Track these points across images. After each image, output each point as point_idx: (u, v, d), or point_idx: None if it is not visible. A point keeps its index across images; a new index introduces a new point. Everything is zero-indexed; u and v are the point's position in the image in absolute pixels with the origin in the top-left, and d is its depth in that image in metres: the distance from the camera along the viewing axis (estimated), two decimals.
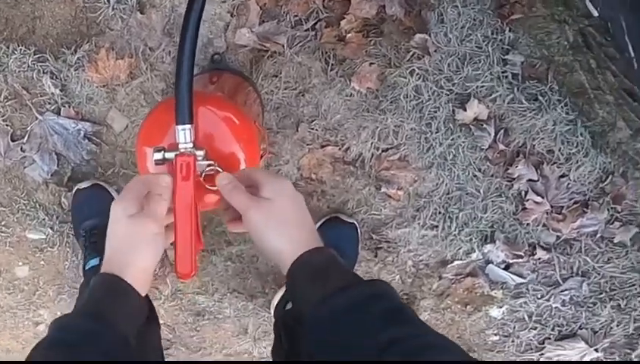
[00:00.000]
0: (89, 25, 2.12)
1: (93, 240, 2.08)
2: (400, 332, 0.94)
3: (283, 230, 1.08)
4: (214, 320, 2.42)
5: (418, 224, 2.31)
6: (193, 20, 1.19)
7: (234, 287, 2.32)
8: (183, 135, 1.16)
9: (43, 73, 2.10)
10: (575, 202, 2.32)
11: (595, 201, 2.31)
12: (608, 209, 2.32)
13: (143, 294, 1.12)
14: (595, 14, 2.07)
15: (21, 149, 2.15)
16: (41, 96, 2.12)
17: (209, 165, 1.18)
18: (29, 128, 2.14)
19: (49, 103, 2.13)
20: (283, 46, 2.16)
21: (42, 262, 2.30)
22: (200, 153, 1.17)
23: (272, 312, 2.26)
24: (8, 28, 2.12)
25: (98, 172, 2.19)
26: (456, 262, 2.37)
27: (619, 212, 2.33)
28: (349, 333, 0.94)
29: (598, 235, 2.35)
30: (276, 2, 2.14)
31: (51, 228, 2.25)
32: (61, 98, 2.12)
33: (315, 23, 2.17)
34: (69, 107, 2.13)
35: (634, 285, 2.39)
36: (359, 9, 2.15)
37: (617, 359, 2.45)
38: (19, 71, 2.11)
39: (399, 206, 2.30)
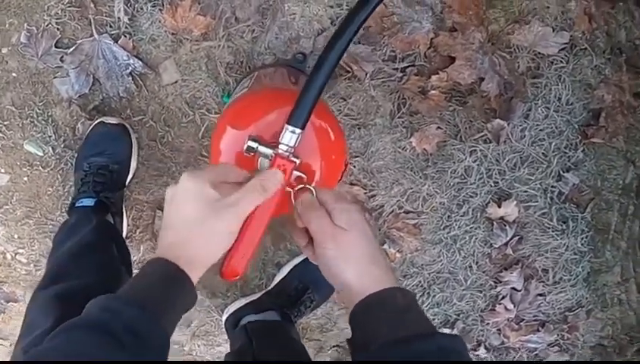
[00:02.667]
0: None
1: (97, 180, 1.79)
2: None
3: (356, 265, 0.96)
4: None
5: None
6: (351, 30, 1.03)
7: (201, 280, 2.07)
8: (290, 137, 1.04)
9: None
10: (536, 320, 2.30)
11: (552, 324, 2.30)
12: (557, 335, 2.32)
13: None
14: None
15: (61, 58, 1.84)
16: (106, 16, 1.82)
17: (299, 177, 1.06)
18: (78, 42, 1.83)
19: (111, 26, 1.84)
20: (366, 74, 1.88)
21: (26, 179, 1.95)
22: (297, 162, 1.05)
23: (224, 316, 2.08)
24: None
25: (126, 113, 1.92)
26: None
27: (563, 340, 2.34)
28: None
29: (535, 352, 2.36)
30: (382, 30, 1.85)
31: (52, 148, 1.93)
32: (125, 27, 1.83)
33: (408, 67, 1.91)
34: (129, 38, 1.84)
35: None
36: (457, 71, 1.91)
37: None
38: None
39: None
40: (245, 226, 0.99)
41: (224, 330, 2.11)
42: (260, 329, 1.87)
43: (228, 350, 1.92)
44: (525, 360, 2.39)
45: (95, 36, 1.81)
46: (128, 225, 1.98)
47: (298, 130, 1.03)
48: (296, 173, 1.04)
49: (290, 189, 1.04)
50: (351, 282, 0.94)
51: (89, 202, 1.77)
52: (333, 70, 1.04)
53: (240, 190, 0.95)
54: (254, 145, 1.06)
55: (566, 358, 2.35)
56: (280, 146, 1.04)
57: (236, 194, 0.94)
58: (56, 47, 1.83)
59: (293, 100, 1.05)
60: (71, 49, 1.82)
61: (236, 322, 2.00)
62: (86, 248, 1.61)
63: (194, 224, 0.93)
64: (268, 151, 1.05)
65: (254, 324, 1.90)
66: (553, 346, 2.34)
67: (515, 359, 2.36)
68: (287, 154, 1.03)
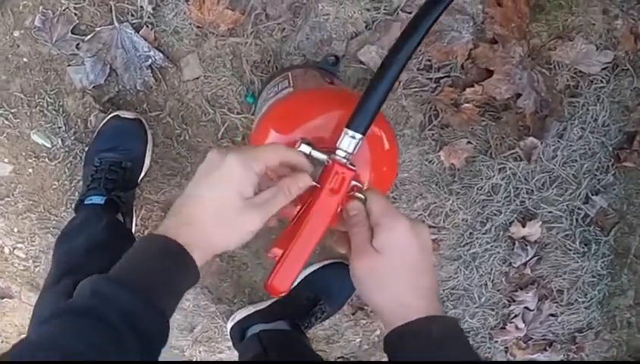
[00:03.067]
0: None
1: (108, 177, 1.69)
2: None
3: (388, 293, 0.90)
4: None
5: None
6: (421, 31, 0.95)
7: (208, 285, 2.01)
8: (349, 143, 0.96)
9: None
10: (544, 339, 2.24)
11: (559, 344, 2.25)
12: (564, 354, 2.27)
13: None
14: None
15: (77, 45, 1.71)
16: (128, 4, 1.69)
17: (354, 187, 0.97)
18: (97, 29, 1.69)
19: (133, 15, 1.70)
20: (399, 82, 1.78)
21: (30, 170, 1.83)
22: (355, 169, 0.97)
23: (230, 324, 1.99)
24: None
25: (142, 108, 1.80)
26: None
27: (568, 359, 2.29)
28: None
29: None
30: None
31: (62, 140, 1.80)
32: (148, 17, 1.69)
33: (443, 77, 1.81)
34: (151, 29, 1.71)
35: None
36: (494, 86, 1.81)
37: None
38: None
39: None
40: (296, 236, 0.93)
41: (227, 337, 2.03)
42: (274, 338, 1.80)
43: (230, 358, 1.90)
44: (526, 360, 2.33)
45: (116, 24, 1.69)
46: (136, 225, 1.87)
47: (359, 136, 0.95)
48: (353, 182, 0.96)
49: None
50: (382, 309, 0.90)
51: (98, 199, 1.66)
52: (400, 73, 0.96)
53: (270, 189, 0.90)
54: (307, 150, 0.97)
55: None
56: (338, 152, 0.96)
57: (266, 193, 0.90)
58: (72, 33, 1.70)
59: (345, 102, 1.01)
60: (89, 37, 1.69)
61: (242, 330, 1.92)
62: (98, 246, 1.52)
63: (216, 211, 0.88)
64: (323, 156, 0.97)
65: (267, 333, 1.82)
66: None
67: None
68: (345, 161, 0.95)
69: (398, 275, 0.89)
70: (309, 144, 0.97)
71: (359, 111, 0.96)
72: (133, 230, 1.83)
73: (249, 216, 0.88)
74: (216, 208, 0.87)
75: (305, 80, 1.51)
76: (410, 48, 0.94)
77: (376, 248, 0.89)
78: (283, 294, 0.95)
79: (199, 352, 2.14)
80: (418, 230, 0.91)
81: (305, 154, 0.97)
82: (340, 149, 0.96)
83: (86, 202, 1.67)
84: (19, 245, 1.93)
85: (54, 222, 1.91)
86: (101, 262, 1.47)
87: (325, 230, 0.94)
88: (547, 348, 2.24)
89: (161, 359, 0.84)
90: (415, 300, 0.88)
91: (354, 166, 0.96)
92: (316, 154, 0.97)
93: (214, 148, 0.90)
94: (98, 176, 1.68)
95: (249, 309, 1.98)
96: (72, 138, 1.80)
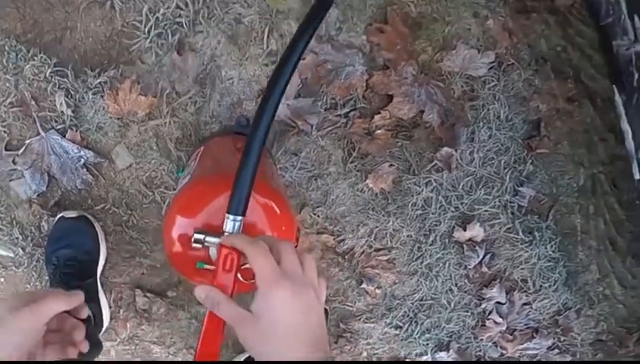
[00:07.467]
0: (121, 51, 1.78)
1: (66, 271, 1.75)
2: None
3: (266, 347, 0.89)
4: None
5: (385, 322, 2.11)
6: (271, 106, 1.03)
7: (192, 345, 2.05)
8: (232, 225, 1.01)
9: (59, 88, 1.74)
10: (528, 328, 2.24)
11: (545, 329, 2.24)
12: (553, 338, 2.26)
13: None
14: (637, 177, 1.90)
15: (13, 160, 1.79)
16: (49, 112, 1.77)
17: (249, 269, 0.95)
18: (27, 141, 1.76)
19: (56, 121, 1.78)
20: (312, 126, 1.85)
21: (2, 280, 1.91)
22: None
23: None
24: (34, 31, 1.74)
25: (87, 204, 1.87)
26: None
27: (561, 341, 2.27)
28: None
29: (537, 358, 2.29)
30: (318, 80, 1.82)
31: (22, 249, 1.88)
32: (70, 120, 1.78)
33: (350, 111, 1.88)
34: (76, 130, 1.79)
35: None
36: (398, 108, 1.88)
37: None
38: (33, 79, 1.74)
39: (372, 303, 2.09)
40: (206, 317, 0.95)
41: None
42: None
43: None
44: (526, 360, 2.33)
45: (42, 133, 1.76)
46: (110, 307, 1.93)
47: (239, 218, 1.01)
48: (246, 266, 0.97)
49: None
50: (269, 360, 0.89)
51: None
52: (261, 151, 1.02)
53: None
54: (200, 237, 1.04)
55: (568, 358, 2.29)
56: (225, 235, 1.01)
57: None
58: (6, 150, 1.77)
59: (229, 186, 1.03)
60: (21, 150, 1.77)
61: None
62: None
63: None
64: (215, 240, 1.03)
65: None
66: (552, 350, 2.28)
67: None
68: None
69: (275, 336, 0.88)
70: (201, 232, 1.04)
71: (233, 195, 1.01)
72: (108, 313, 1.91)
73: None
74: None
75: (214, 153, 1.58)
76: (262, 133, 1.01)
77: (253, 311, 0.89)
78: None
79: None
80: (299, 292, 0.89)
81: (200, 240, 1.04)
82: (226, 231, 1.01)
83: None
84: None
85: None
86: None
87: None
88: (535, 335, 2.23)
89: None
90: (298, 353, 0.88)
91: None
92: (209, 239, 1.04)
93: None
94: (58, 272, 1.75)
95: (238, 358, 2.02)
96: (31, 245, 1.86)
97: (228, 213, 1.01)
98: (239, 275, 0.97)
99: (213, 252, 1.07)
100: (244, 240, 0.94)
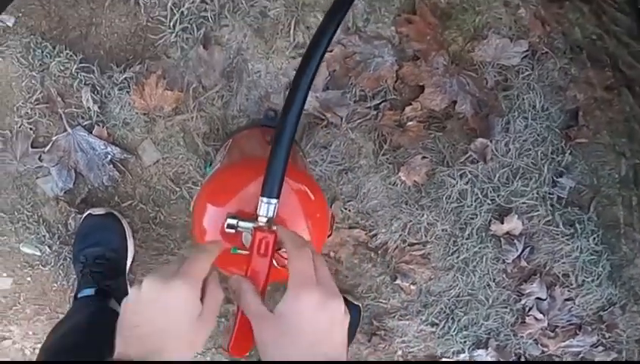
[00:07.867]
0: (146, 46, 1.76)
1: (95, 270, 1.74)
2: None
3: (284, 351, 0.83)
4: None
5: (421, 319, 2.06)
6: (303, 88, 0.99)
7: (221, 344, 2.03)
8: (267, 208, 0.98)
9: (85, 84, 1.73)
10: (571, 324, 2.16)
11: (589, 326, 2.17)
12: (597, 335, 2.18)
13: None
14: None
15: (39, 157, 1.78)
16: (76, 108, 1.76)
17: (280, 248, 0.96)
18: (54, 138, 1.77)
19: (82, 117, 1.77)
20: (341, 119, 1.81)
21: (29, 278, 1.92)
22: (274, 231, 0.96)
23: None
24: (60, 27, 1.73)
25: (114, 201, 1.86)
26: (443, 359, 2.16)
27: (605, 338, 2.20)
28: None
29: (581, 356, 2.21)
30: (346, 71, 1.78)
31: (49, 247, 1.87)
32: (97, 116, 1.77)
33: (380, 103, 1.83)
34: (102, 126, 1.78)
35: None
36: (429, 99, 1.83)
37: None
38: (59, 76, 1.73)
39: (407, 300, 2.04)
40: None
41: None
42: None
43: None
44: (530, 361, 2.26)
45: (69, 129, 1.75)
46: None
47: (274, 200, 0.98)
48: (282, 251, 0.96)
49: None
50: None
51: (89, 291, 1.72)
52: (294, 132, 0.99)
53: (213, 299, 0.88)
54: (234, 222, 1.02)
55: (613, 356, 2.21)
56: (260, 219, 0.98)
57: (210, 304, 0.87)
58: (33, 147, 1.77)
59: (261, 170, 1.01)
60: (48, 147, 1.77)
61: None
62: (77, 329, 1.56)
63: (169, 336, 0.84)
64: (249, 225, 1.01)
65: None
66: (597, 347, 2.20)
67: None
68: (268, 226, 0.98)
69: (292, 341, 0.84)
70: (234, 217, 1.02)
71: (267, 178, 0.98)
72: None
73: (199, 332, 0.86)
74: (169, 332, 0.83)
75: (243, 146, 1.55)
76: (295, 113, 0.98)
77: (279, 310, 0.84)
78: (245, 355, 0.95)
79: None
80: (328, 303, 0.84)
81: (233, 226, 1.01)
82: (260, 215, 0.98)
83: (79, 296, 1.73)
84: (37, 345, 1.98)
85: None
86: (79, 341, 1.54)
87: (264, 290, 0.93)
88: (577, 332, 2.16)
89: None
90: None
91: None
92: (242, 224, 1.01)
93: (149, 276, 0.85)
94: (87, 270, 1.74)
95: None
96: (58, 243, 1.86)
97: (262, 196, 0.98)
98: (274, 261, 0.95)
99: (247, 237, 1.04)
100: (295, 239, 0.92)
